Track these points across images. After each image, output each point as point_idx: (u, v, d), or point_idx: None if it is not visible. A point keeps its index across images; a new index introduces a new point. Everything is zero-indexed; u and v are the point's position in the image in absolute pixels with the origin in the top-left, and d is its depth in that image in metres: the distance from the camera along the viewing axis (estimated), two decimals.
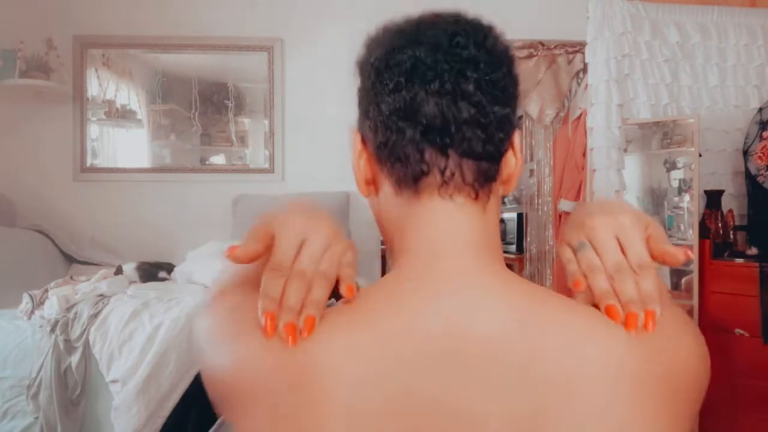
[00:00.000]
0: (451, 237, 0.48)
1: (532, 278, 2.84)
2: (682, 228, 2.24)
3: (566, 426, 0.40)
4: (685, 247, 0.48)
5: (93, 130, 2.79)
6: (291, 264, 0.44)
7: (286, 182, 2.80)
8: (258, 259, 0.47)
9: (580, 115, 2.66)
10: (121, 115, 2.81)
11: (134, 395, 1.47)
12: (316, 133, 2.80)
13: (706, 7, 2.40)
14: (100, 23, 2.73)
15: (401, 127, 0.46)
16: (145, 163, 2.84)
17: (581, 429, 0.40)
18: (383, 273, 2.60)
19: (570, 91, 2.78)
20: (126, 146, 2.90)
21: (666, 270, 2.26)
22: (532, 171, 3.19)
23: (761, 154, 2.19)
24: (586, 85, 2.49)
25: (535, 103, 2.78)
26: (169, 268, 2.13)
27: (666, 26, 2.38)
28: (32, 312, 1.72)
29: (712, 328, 2.08)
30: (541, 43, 2.73)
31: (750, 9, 2.45)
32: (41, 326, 1.67)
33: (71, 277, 2.03)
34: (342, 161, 2.84)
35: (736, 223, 2.28)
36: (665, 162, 2.31)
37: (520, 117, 3.45)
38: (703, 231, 2.19)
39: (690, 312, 2.10)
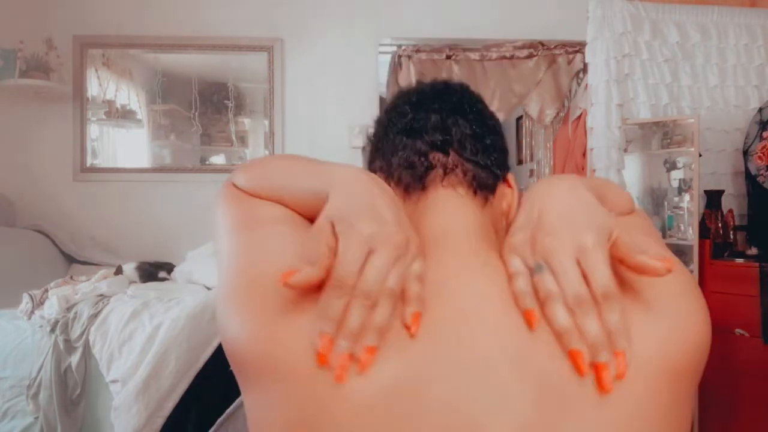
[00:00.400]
0: (453, 220, 0.52)
1: None
2: (682, 228, 2.24)
3: (573, 423, 0.40)
4: (663, 259, 0.42)
5: (93, 130, 2.79)
6: (354, 281, 0.40)
7: None
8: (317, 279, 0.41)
9: (580, 115, 2.67)
10: (121, 115, 2.81)
11: (134, 395, 1.47)
12: (316, 133, 2.80)
13: (706, 7, 2.40)
14: (100, 23, 2.73)
15: (406, 143, 0.55)
16: (145, 163, 2.84)
17: (589, 425, 0.40)
18: None
19: (570, 91, 2.78)
20: (126, 146, 2.90)
21: None
22: (532, 171, 3.20)
23: (761, 154, 2.19)
24: (586, 85, 2.49)
25: (535, 103, 2.78)
26: (169, 268, 2.13)
27: (666, 26, 2.38)
28: (32, 312, 1.72)
29: (712, 328, 2.07)
30: (541, 43, 2.73)
31: (750, 9, 2.45)
32: (41, 326, 1.67)
33: (71, 277, 2.03)
34: (342, 161, 2.83)
35: (736, 223, 2.28)
36: (665, 162, 2.31)
37: (520, 117, 3.45)
38: (703, 231, 2.19)
39: None
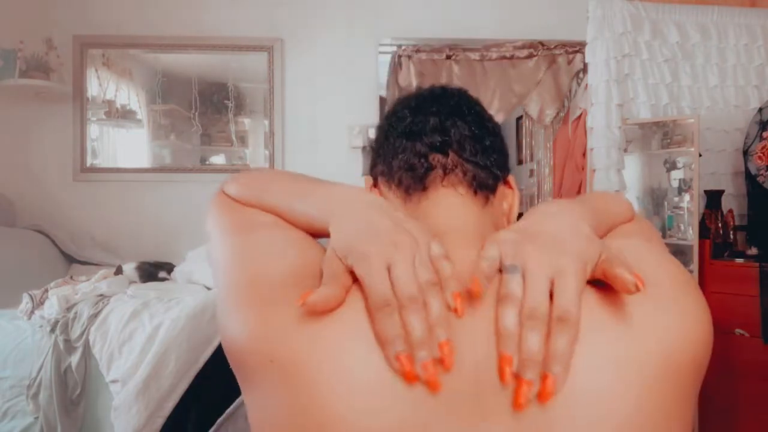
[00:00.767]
0: (453, 219, 0.53)
1: None
2: (682, 228, 2.24)
3: (576, 423, 0.40)
4: (639, 277, 0.41)
5: (93, 130, 2.79)
6: (393, 296, 0.40)
7: None
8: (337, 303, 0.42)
9: (580, 115, 2.67)
10: (121, 115, 2.81)
11: (134, 395, 1.47)
12: (316, 133, 2.80)
13: (706, 7, 2.40)
14: (100, 23, 2.73)
15: (406, 146, 0.56)
16: (145, 163, 2.84)
17: (590, 425, 0.40)
18: None
19: (570, 91, 2.78)
20: (126, 146, 2.90)
21: None
22: (532, 171, 3.20)
23: (761, 154, 2.19)
24: (586, 85, 2.49)
25: (535, 103, 2.78)
26: (169, 268, 2.13)
27: (666, 26, 2.38)
28: (32, 312, 1.71)
29: (712, 328, 2.07)
30: (541, 43, 2.73)
31: (750, 9, 2.45)
32: (41, 326, 1.67)
33: (71, 277, 2.03)
34: (342, 161, 2.85)
35: (736, 223, 2.28)
36: (665, 162, 2.31)
37: (520, 117, 3.45)
38: (703, 231, 2.19)
39: None
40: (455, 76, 2.70)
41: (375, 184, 0.61)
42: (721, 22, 2.41)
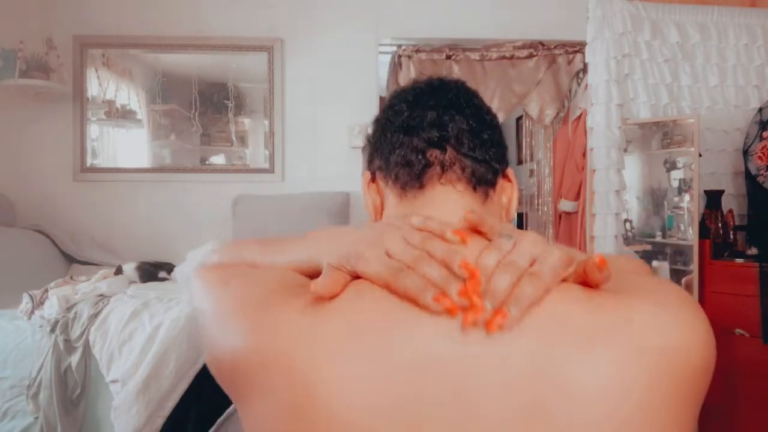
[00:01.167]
0: (450, 215, 0.52)
1: None
2: (682, 228, 2.24)
3: (575, 423, 0.40)
4: (603, 260, 0.44)
5: (93, 130, 2.79)
6: (400, 263, 0.44)
7: (286, 182, 2.80)
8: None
9: (580, 115, 2.67)
10: (121, 115, 2.81)
11: (134, 395, 1.47)
12: (316, 133, 2.81)
13: (706, 7, 2.40)
14: (100, 23, 2.73)
15: (404, 141, 0.55)
16: (145, 163, 2.84)
17: (589, 425, 0.40)
18: None
19: (570, 91, 2.78)
20: (126, 146, 2.90)
21: (666, 271, 2.27)
22: (532, 171, 3.19)
23: (761, 154, 2.19)
24: (586, 85, 2.50)
25: (535, 103, 2.78)
26: (169, 268, 2.13)
27: (666, 26, 2.38)
28: (32, 312, 1.72)
29: (713, 328, 2.07)
30: (541, 43, 2.73)
31: (750, 9, 2.45)
32: (41, 326, 1.67)
33: (71, 277, 2.03)
34: (342, 161, 2.85)
35: (736, 223, 2.28)
36: (665, 162, 2.31)
37: (520, 117, 3.45)
38: (703, 231, 2.19)
39: None
40: (455, 76, 2.70)
41: (373, 179, 0.60)
42: (721, 22, 2.41)
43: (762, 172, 2.18)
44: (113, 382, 1.56)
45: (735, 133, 2.38)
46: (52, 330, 1.63)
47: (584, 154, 2.55)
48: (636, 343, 0.42)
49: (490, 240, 0.47)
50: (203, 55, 2.80)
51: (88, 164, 2.75)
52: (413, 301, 0.42)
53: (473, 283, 0.42)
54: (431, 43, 2.74)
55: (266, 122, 2.80)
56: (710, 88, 2.40)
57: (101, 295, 1.75)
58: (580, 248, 2.62)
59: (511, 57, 2.74)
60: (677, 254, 2.24)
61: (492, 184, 0.56)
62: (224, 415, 1.49)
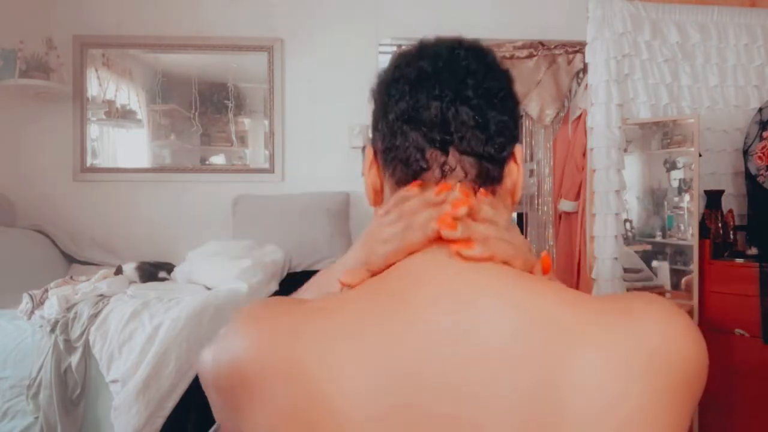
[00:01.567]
0: None
1: None
2: (682, 228, 2.24)
3: (573, 423, 0.40)
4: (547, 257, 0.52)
5: (93, 130, 2.79)
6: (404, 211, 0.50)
7: (286, 182, 2.80)
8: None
9: (580, 115, 2.66)
10: (121, 115, 2.81)
11: (134, 395, 1.47)
12: (316, 133, 2.80)
13: (706, 7, 2.40)
14: (100, 23, 2.73)
15: (405, 130, 0.51)
16: (145, 163, 2.84)
17: (589, 426, 0.40)
18: None
19: (570, 91, 2.78)
20: (126, 146, 2.90)
21: (666, 271, 2.27)
22: (532, 171, 3.19)
23: (761, 154, 2.19)
24: (586, 85, 2.49)
25: (535, 103, 2.78)
26: (169, 268, 2.13)
27: (666, 26, 2.38)
28: (32, 312, 1.71)
29: (712, 328, 2.08)
30: (541, 43, 2.73)
31: (750, 9, 2.45)
32: (41, 326, 1.67)
33: (71, 277, 2.03)
34: (342, 161, 2.85)
35: (736, 223, 2.28)
36: (665, 162, 2.31)
37: (520, 117, 3.45)
38: (703, 231, 2.19)
39: (690, 312, 2.10)
40: None
41: (376, 156, 0.57)
42: (721, 22, 2.41)
43: (762, 172, 2.18)
44: (113, 382, 1.56)
45: (735, 133, 2.38)
46: (52, 330, 1.63)
47: (584, 154, 2.54)
48: (633, 345, 0.42)
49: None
50: (203, 55, 2.80)
51: (88, 164, 2.75)
52: (421, 246, 0.48)
53: (461, 202, 0.47)
54: None
55: (266, 122, 2.80)
56: (710, 88, 2.40)
57: (101, 295, 1.75)
58: (580, 248, 2.62)
59: (511, 57, 2.73)
60: (677, 254, 2.24)
61: (498, 180, 0.52)
62: None
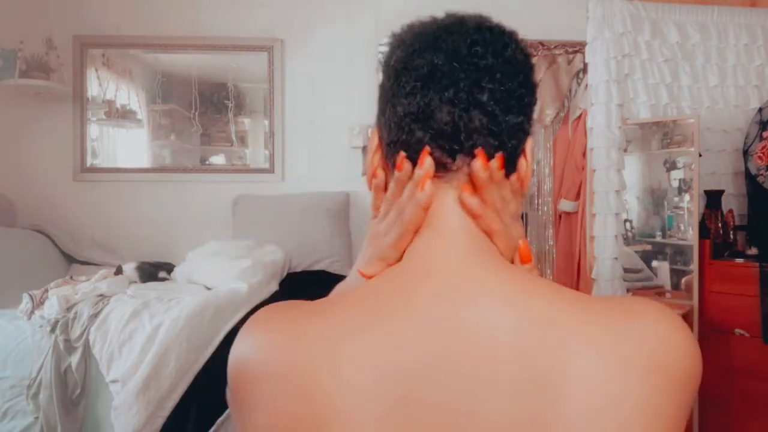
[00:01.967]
0: (451, 227, 0.49)
1: None
2: (682, 228, 2.24)
3: (571, 424, 0.40)
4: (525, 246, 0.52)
5: (93, 130, 2.79)
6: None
7: (286, 182, 2.80)
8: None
9: (580, 115, 2.66)
10: (121, 115, 2.81)
11: (134, 395, 1.47)
12: (316, 133, 2.81)
13: (706, 7, 2.40)
14: (100, 23, 2.73)
15: (413, 129, 0.48)
16: (145, 163, 2.84)
17: (586, 427, 0.40)
18: None
19: (570, 91, 2.78)
20: (126, 146, 2.90)
21: (666, 270, 2.26)
22: (532, 171, 3.19)
23: (761, 154, 2.19)
24: (586, 85, 2.49)
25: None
26: (169, 268, 2.13)
27: (666, 26, 2.37)
28: (32, 312, 1.72)
29: (712, 328, 2.07)
30: (541, 43, 2.73)
31: (750, 9, 2.45)
32: (41, 326, 1.67)
33: (71, 277, 2.03)
34: (342, 161, 2.85)
35: (736, 223, 2.28)
36: (665, 162, 2.31)
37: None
38: (703, 231, 2.19)
39: (690, 312, 2.10)
40: None
41: (381, 143, 0.54)
42: (721, 22, 2.41)
43: (762, 172, 2.18)
44: (113, 382, 1.56)
45: (735, 133, 2.37)
46: (52, 330, 1.63)
47: (584, 154, 2.54)
48: (634, 345, 0.42)
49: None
50: (203, 55, 2.80)
51: (88, 164, 2.75)
52: (420, 220, 0.49)
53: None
54: None
55: (266, 122, 2.80)
56: (710, 88, 2.40)
57: (101, 295, 1.75)
58: (580, 248, 2.62)
59: None
60: (677, 254, 2.24)
61: (506, 177, 0.50)
62: (224, 415, 1.49)
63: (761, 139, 2.21)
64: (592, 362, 0.41)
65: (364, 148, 2.70)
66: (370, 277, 0.49)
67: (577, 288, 2.56)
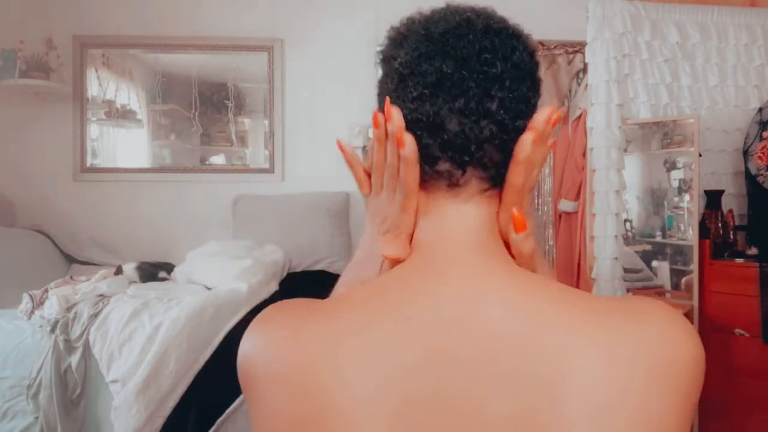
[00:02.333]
0: (455, 230, 0.49)
1: None
2: (682, 228, 2.24)
3: (571, 424, 0.40)
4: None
5: (93, 130, 2.79)
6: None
7: (286, 182, 2.80)
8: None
9: (580, 115, 2.67)
10: (121, 115, 2.81)
11: (134, 395, 1.47)
12: (316, 133, 2.81)
13: (706, 7, 2.40)
14: (100, 23, 2.73)
15: (419, 135, 0.47)
16: (145, 163, 2.84)
17: (587, 426, 0.40)
18: None
19: (570, 91, 2.78)
20: (126, 146, 2.90)
21: (666, 270, 2.26)
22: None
23: (761, 154, 2.19)
24: (586, 85, 2.49)
25: None
26: (169, 268, 2.13)
27: (666, 26, 2.37)
28: (32, 312, 1.72)
29: (712, 328, 2.07)
30: (541, 43, 2.73)
31: (750, 9, 2.45)
32: (41, 326, 1.67)
33: (71, 277, 2.03)
34: (342, 161, 2.83)
35: (736, 223, 2.28)
36: (665, 162, 2.31)
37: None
38: (703, 231, 2.19)
39: (690, 312, 2.10)
40: None
41: None
42: (721, 22, 2.41)
43: (762, 172, 2.18)
44: (113, 382, 1.56)
45: (735, 133, 2.37)
46: (52, 330, 1.63)
47: (584, 154, 2.55)
48: (636, 345, 0.42)
49: None
50: (203, 55, 2.80)
51: (88, 164, 2.75)
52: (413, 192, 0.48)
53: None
54: None
55: (266, 122, 2.80)
56: (710, 88, 2.40)
57: (101, 295, 1.75)
58: (580, 248, 2.62)
59: None
60: (677, 254, 2.24)
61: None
62: (224, 415, 1.49)
63: (761, 139, 2.21)
64: (593, 362, 0.41)
65: (365, 148, 2.70)
66: (398, 260, 0.48)
67: (576, 288, 2.56)
